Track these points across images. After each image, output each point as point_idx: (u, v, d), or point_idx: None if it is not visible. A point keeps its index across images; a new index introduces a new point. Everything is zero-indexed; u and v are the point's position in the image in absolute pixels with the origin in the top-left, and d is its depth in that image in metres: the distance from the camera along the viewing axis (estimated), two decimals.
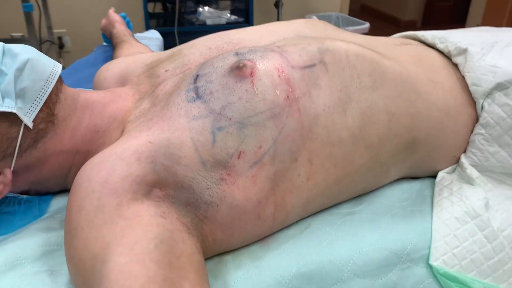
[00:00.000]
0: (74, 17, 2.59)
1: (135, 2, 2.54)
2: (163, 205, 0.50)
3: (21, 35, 2.39)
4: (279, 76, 0.57)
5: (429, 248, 0.59)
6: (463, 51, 0.70)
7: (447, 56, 0.73)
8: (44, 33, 2.40)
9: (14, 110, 0.53)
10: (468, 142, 0.68)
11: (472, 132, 0.68)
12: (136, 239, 0.45)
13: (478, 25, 3.31)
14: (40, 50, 2.20)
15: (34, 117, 0.56)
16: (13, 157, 0.56)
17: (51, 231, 0.59)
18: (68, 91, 0.62)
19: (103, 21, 1.31)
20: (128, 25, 1.32)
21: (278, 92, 0.56)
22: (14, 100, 0.54)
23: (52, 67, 0.59)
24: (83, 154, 0.62)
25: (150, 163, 0.51)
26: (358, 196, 0.66)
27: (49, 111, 0.58)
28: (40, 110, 0.57)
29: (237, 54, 0.60)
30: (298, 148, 0.56)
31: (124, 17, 1.32)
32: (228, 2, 2.62)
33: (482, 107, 0.66)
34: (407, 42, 0.77)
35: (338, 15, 2.96)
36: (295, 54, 0.60)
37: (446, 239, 0.59)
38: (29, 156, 0.57)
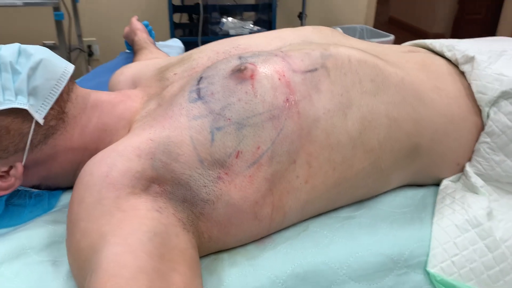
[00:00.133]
0: (103, 26, 2.68)
1: (162, 12, 2.61)
2: (160, 200, 0.52)
3: (53, 43, 2.49)
4: (279, 79, 0.58)
5: (427, 255, 0.59)
6: (470, 59, 0.69)
7: (455, 64, 0.73)
8: (75, 41, 2.49)
9: (25, 107, 0.56)
10: (473, 151, 0.68)
11: (477, 140, 0.67)
12: (130, 231, 0.47)
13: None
14: (69, 58, 2.29)
15: (45, 114, 0.59)
16: (25, 152, 0.59)
17: (58, 224, 0.61)
18: (80, 90, 0.65)
19: (126, 29, 1.36)
20: (150, 33, 1.36)
21: (277, 95, 0.57)
22: (26, 98, 0.57)
23: (64, 67, 0.62)
24: (92, 151, 0.64)
25: (149, 160, 0.53)
26: (359, 201, 0.66)
27: (60, 109, 0.61)
28: (51, 108, 0.60)
29: (240, 57, 0.61)
30: (296, 150, 0.57)
31: (146, 25, 1.36)
32: (252, 13, 2.66)
33: (487, 115, 0.66)
34: (415, 50, 0.77)
35: (363, 27, 2.95)
36: (297, 58, 0.61)
37: (445, 247, 0.59)
38: (39, 151, 0.60)
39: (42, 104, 0.59)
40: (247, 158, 0.55)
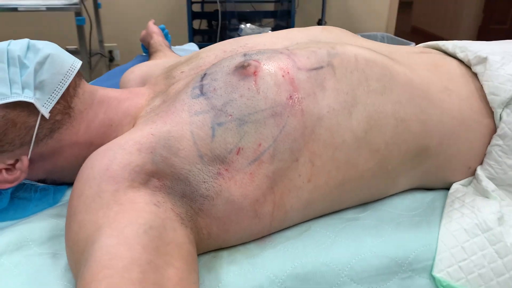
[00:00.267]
0: (124, 32, 2.73)
1: (181, 19, 2.64)
2: (159, 195, 0.52)
3: (75, 48, 2.54)
4: (283, 76, 0.57)
5: (434, 259, 0.57)
6: (483, 60, 0.67)
7: (467, 66, 0.71)
8: (96, 46, 2.54)
9: (31, 100, 0.57)
10: (485, 154, 0.65)
11: (489, 143, 0.65)
12: (127, 223, 0.47)
13: None
14: (90, 62, 2.32)
15: (51, 108, 0.59)
16: (30, 145, 0.60)
17: (61, 217, 0.62)
18: (87, 86, 0.66)
19: (143, 32, 1.38)
20: (166, 36, 1.38)
21: (280, 92, 0.56)
22: (33, 91, 0.58)
23: (71, 63, 0.63)
24: (97, 146, 0.64)
25: (149, 154, 0.53)
26: (365, 203, 0.65)
27: (66, 103, 0.62)
28: (57, 102, 0.60)
29: (245, 55, 0.61)
30: (299, 148, 0.56)
31: (163, 29, 1.38)
32: (271, 20, 2.67)
33: (500, 117, 0.64)
34: (427, 51, 0.75)
35: (384, 34, 2.93)
36: (303, 56, 0.60)
37: (453, 251, 0.57)
38: (45, 145, 0.61)
39: (49, 98, 0.59)
40: (248, 155, 0.55)
